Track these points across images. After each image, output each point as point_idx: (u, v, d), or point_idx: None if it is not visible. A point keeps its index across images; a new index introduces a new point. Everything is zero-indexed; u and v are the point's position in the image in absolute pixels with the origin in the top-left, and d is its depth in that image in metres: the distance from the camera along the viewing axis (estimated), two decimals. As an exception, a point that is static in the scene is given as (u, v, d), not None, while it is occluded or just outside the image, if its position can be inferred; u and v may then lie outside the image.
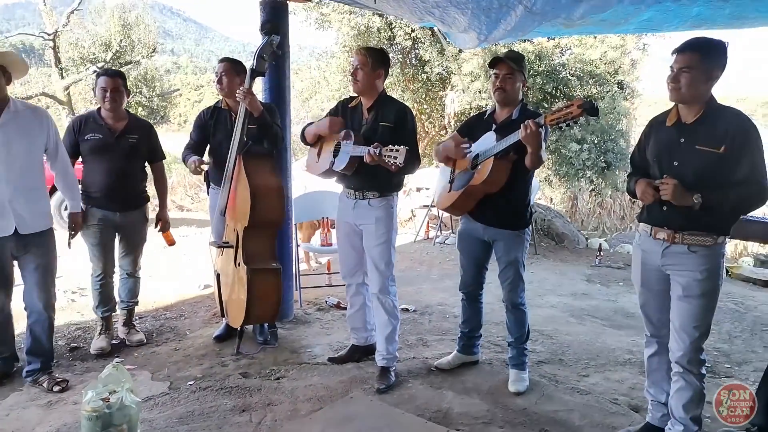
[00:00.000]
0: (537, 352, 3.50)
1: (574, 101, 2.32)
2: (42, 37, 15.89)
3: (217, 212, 3.42)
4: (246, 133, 3.21)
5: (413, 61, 12.71)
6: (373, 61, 2.92)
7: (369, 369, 3.17)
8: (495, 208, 2.83)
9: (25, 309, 2.94)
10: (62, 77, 15.67)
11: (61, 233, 3.10)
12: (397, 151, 2.57)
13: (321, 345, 3.59)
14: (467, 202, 2.90)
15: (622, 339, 3.85)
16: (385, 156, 2.61)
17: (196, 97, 35.30)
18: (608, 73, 11.48)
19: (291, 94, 4.01)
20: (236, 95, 3.17)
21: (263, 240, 3.25)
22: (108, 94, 3.22)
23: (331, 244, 4.66)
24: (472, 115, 3.79)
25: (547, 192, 12.26)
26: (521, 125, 2.48)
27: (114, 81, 3.26)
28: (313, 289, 4.69)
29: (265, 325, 3.58)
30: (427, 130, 13.46)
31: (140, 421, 2.46)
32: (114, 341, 3.51)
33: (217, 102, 3.58)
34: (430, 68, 12.00)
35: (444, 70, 11.98)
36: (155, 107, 18.89)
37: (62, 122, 18.19)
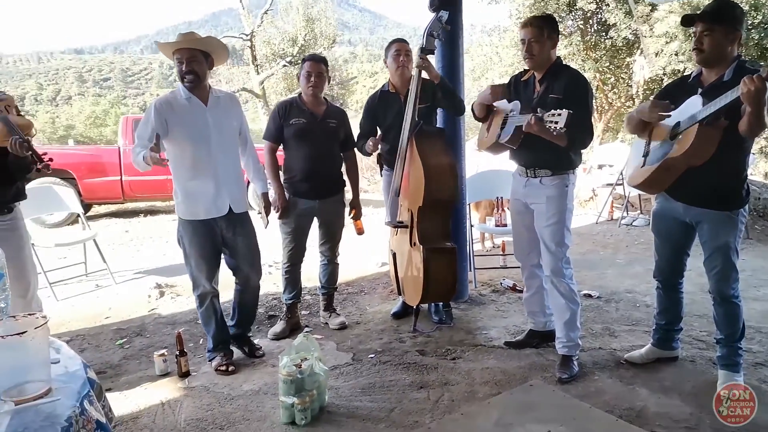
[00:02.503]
0: (753, 353, 3.00)
1: None
2: (241, 38, 17.88)
3: (391, 193, 3.49)
4: (417, 113, 3.20)
5: (595, 27, 11.70)
6: (548, 30, 2.71)
7: (549, 356, 3.01)
8: (700, 184, 2.42)
9: (237, 282, 3.14)
10: (257, 73, 17.51)
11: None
12: (559, 114, 2.34)
13: (497, 328, 3.50)
14: (665, 178, 2.53)
15: None
16: (546, 122, 2.40)
17: (371, 83, 36.93)
18: None
19: (464, 72, 3.92)
20: (405, 71, 3.15)
21: (438, 220, 3.24)
22: (312, 78, 3.30)
23: (505, 225, 4.52)
24: (670, 81, 3.29)
25: (762, 166, 10.47)
26: (742, 80, 2.06)
27: (318, 66, 3.33)
28: (487, 270, 4.61)
29: (440, 304, 3.59)
30: (611, 101, 12.36)
31: (328, 388, 2.63)
32: (306, 327, 3.77)
33: (384, 86, 3.60)
34: (616, 32, 10.95)
35: (632, 33, 10.83)
36: (335, 95, 20.19)
37: (258, 113, 20.34)
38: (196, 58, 2.78)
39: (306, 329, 3.56)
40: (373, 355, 3.14)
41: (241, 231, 2.99)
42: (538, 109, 2.51)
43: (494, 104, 2.98)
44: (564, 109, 2.35)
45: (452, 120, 3.76)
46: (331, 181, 3.49)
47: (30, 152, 2.34)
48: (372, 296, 4.29)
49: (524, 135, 2.67)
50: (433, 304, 3.61)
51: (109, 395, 2.72)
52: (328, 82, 3.44)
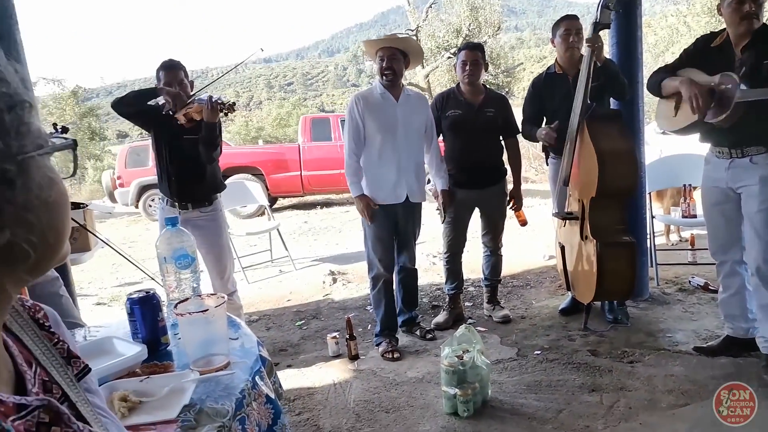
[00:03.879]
0: None
1: None
2: (407, 33, 18.34)
3: (559, 182, 3.28)
4: (589, 95, 2.96)
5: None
6: None
7: (750, 368, 2.60)
8: None
9: (398, 267, 3.30)
10: (422, 67, 17.81)
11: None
12: None
13: (684, 331, 3.12)
14: None
15: None
16: None
17: (539, 69, 35.36)
18: None
19: (642, 48, 3.54)
20: (575, 52, 2.96)
21: (613, 211, 2.98)
22: (467, 67, 3.28)
23: (694, 216, 4.00)
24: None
25: None
26: None
27: (473, 53, 3.31)
28: (672, 266, 4.14)
29: (615, 302, 3.31)
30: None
31: (491, 382, 2.58)
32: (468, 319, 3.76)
33: (549, 67, 3.40)
34: None
35: None
36: (500, 84, 19.72)
37: (424, 107, 20.71)
38: (396, 56, 3.01)
39: (469, 321, 3.54)
40: (539, 352, 3.00)
41: (412, 220, 3.19)
42: None
43: (684, 77, 2.62)
44: None
45: (629, 100, 3.42)
46: (491, 170, 3.42)
47: (220, 105, 2.73)
48: (538, 290, 4.11)
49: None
50: (607, 301, 3.34)
51: (289, 371, 3.00)
52: (486, 70, 3.38)
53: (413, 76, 19.19)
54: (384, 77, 3.03)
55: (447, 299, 3.64)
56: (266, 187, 8.59)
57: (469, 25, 17.03)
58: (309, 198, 10.24)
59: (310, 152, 9.19)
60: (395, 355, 3.07)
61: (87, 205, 3.44)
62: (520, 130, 3.46)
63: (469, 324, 2.99)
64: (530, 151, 13.71)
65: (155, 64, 2.95)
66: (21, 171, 0.44)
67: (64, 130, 2.10)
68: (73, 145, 0.58)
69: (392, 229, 3.15)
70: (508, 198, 3.52)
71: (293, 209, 9.63)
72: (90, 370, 0.65)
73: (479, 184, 3.38)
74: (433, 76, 18.69)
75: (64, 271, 2.64)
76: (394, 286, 3.28)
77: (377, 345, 3.19)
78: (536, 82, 3.45)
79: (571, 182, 3.18)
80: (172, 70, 2.88)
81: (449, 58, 17.36)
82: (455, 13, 17.81)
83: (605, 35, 3.10)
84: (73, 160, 0.59)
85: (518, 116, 3.51)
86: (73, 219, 2.48)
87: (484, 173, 3.39)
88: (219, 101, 2.74)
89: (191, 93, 2.93)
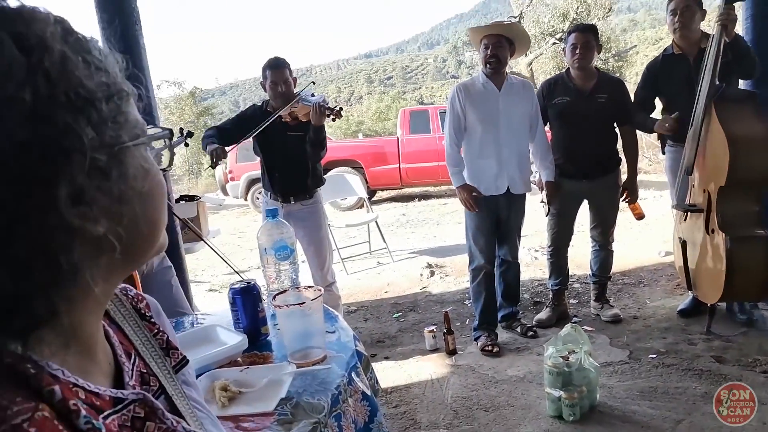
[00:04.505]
0: None
1: None
2: (510, 21, 17.79)
3: (681, 171, 2.98)
4: (717, 75, 2.66)
5: None
6: None
7: None
8: None
9: (499, 260, 3.21)
10: (525, 55, 17.20)
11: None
12: None
13: (831, 340, 2.73)
14: None
15: None
16: None
17: (654, 52, 32.88)
18: None
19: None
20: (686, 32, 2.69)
21: (745, 202, 2.67)
22: (578, 51, 3.04)
23: None
24: None
25: None
26: None
27: (584, 36, 3.06)
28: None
29: (746, 303, 2.96)
30: None
31: (599, 386, 2.41)
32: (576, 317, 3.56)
33: (666, 49, 3.10)
34: None
35: None
36: (611, 68, 18.54)
37: (526, 96, 20.05)
38: (501, 43, 2.92)
39: (574, 319, 3.34)
40: (654, 356, 2.76)
41: (513, 212, 3.08)
42: None
43: None
44: None
45: (765, 80, 3.03)
46: (602, 159, 3.17)
47: (327, 111, 2.81)
48: (653, 289, 3.79)
49: None
50: (736, 303, 3.00)
51: (386, 363, 3.00)
52: (598, 53, 3.14)
53: (516, 65, 18.59)
54: (488, 65, 2.95)
55: (550, 295, 3.46)
56: (365, 179, 8.72)
57: (577, 8, 16.18)
58: (407, 190, 10.27)
59: (408, 145, 9.19)
60: (495, 350, 2.98)
61: (201, 198, 3.65)
62: (636, 122, 3.19)
63: (575, 323, 2.82)
64: (643, 139, 12.77)
65: (262, 62, 3.06)
66: (116, 161, 0.43)
67: (189, 134, 2.22)
68: (169, 136, 0.58)
69: (493, 220, 3.06)
70: (621, 189, 3.27)
71: (392, 201, 9.70)
72: (188, 362, 0.65)
73: (589, 175, 3.17)
74: (537, 63, 18.00)
75: (177, 260, 2.82)
76: (495, 280, 3.18)
77: (476, 339, 3.11)
78: (651, 65, 3.18)
79: (696, 170, 2.88)
80: (278, 68, 2.97)
81: (554, 44, 16.62)
82: (561, -4, 17.00)
83: (739, 8, 2.76)
84: (169, 151, 0.58)
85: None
86: (174, 214, 2.65)
87: (595, 163, 3.16)
88: (326, 106, 2.82)
89: (295, 90, 3.01)
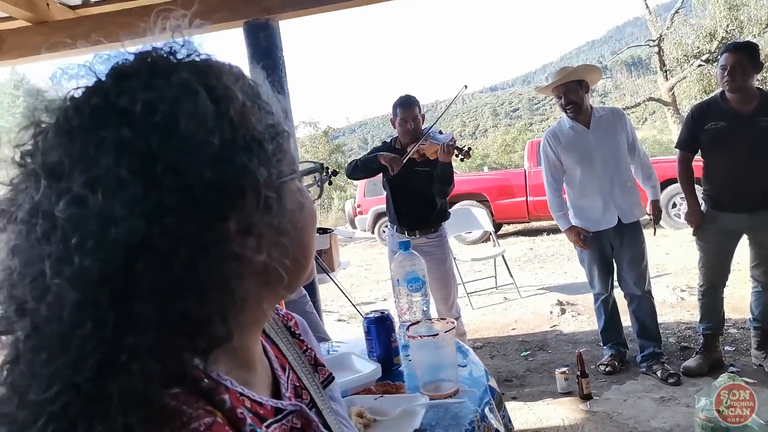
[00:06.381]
0: None
1: None
2: (647, 45, 16.79)
3: None
4: None
5: None
6: None
7: None
8: None
9: (626, 297, 3.14)
10: (666, 79, 16.07)
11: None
12: None
13: None
14: None
15: None
16: None
17: (825, 67, 28.90)
18: None
19: None
20: None
21: None
22: (726, 72, 2.78)
23: None
24: None
25: None
26: None
27: (734, 55, 2.76)
28: None
29: None
30: None
31: (764, 449, 2.12)
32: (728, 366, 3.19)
33: None
34: None
35: None
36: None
37: (668, 123, 18.66)
38: (571, 88, 3.03)
39: (731, 369, 2.98)
40: (836, 419, 2.37)
41: (628, 241, 3.05)
42: None
43: None
44: None
45: None
46: (765, 190, 2.82)
47: (456, 150, 2.95)
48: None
49: None
50: None
51: (514, 403, 2.90)
52: (757, 72, 2.82)
53: (654, 90, 17.41)
54: (567, 112, 3.09)
55: (701, 341, 3.12)
56: (491, 213, 8.60)
57: (727, 26, 14.84)
58: (534, 224, 9.93)
59: (536, 177, 8.91)
60: (609, 369, 3.12)
61: (333, 230, 3.85)
62: None
63: (733, 373, 2.51)
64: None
65: (390, 100, 3.21)
66: (278, 196, 0.48)
67: (334, 173, 2.40)
68: (320, 168, 0.63)
69: (608, 253, 3.13)
70: None
71: (518, 235, 9.44)
72: (334, 378, 0.69)
73: (749, 207, 2.84)
74: (679, 88, 16.74)
75: (312, 290, 2.98)
76: (617, 308, 3.25)
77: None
78: None
79: None
80: (408, 106, 3.11)
81: (700, 65, 15.36)
82: (708, 15, 15.74)
83: None
84: (319, 184, 0.64)
85: None
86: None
87: (757, 194, 2.82)
88: (455, 146, 2.93)
89: (423, 127, 3.11)
